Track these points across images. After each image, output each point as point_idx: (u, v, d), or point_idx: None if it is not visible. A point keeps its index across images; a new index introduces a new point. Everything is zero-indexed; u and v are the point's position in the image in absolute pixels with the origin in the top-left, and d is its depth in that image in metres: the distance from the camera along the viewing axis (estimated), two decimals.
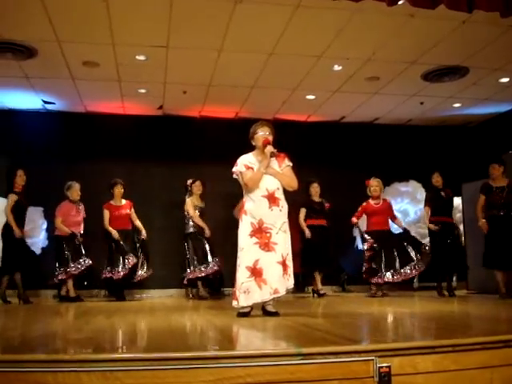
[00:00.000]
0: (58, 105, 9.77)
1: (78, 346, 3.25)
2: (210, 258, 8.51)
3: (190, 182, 8.95)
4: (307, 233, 8.56)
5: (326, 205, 8.88)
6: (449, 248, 8.22)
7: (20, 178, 7.87)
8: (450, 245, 8.24)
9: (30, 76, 8.31)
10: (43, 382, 2.40)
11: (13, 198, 7.77)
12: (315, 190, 8.89)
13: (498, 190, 7.66)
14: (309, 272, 8.70)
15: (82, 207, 8.58)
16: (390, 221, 8.65)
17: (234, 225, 5.19)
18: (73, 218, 8.42)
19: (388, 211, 8.68)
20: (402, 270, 8.27)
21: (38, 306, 7.51)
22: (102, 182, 9.18)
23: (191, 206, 8.77)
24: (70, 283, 8.17)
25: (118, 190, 8.70)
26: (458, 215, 9.80)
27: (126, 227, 8.62)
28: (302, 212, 8.64)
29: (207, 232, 8.59)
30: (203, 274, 8.51)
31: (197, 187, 8.90)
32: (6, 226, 7.77)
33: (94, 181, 9.12)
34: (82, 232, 8.49)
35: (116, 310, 6.45)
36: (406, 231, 8.69)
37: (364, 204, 8.70)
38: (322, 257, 8.51)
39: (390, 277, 8.26)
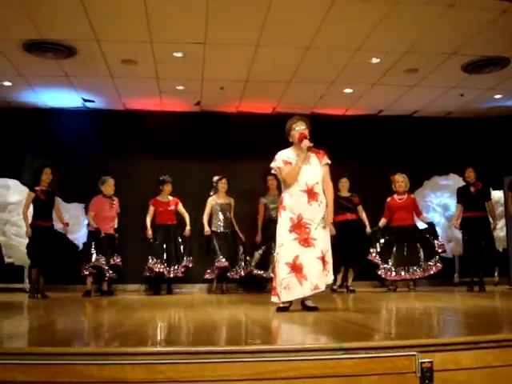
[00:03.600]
0: (97, 103, 9.92)
1: (122, 340, 3.30)
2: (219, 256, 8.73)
3: (216, 178, 9.17)
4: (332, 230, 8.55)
5: (355, 200, 8.82)
6: (478, 243, 8.25)
7: (45, 176, 7.90)
8: (479, 239, 8.27)
9: (69, 75, 8.45)
10: (88, 374, 2.44)
11: (30, 195, 7.82)
12: (343, 185, 8.86)
13: None
14: (339, 268, 8.52)
15: (115, 202, 8.68)
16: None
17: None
18: (105, 213, 8.53)
19: (412, 206, 8.68)
20: (424, 265, 8.29)
21: (79, 300, 7.62)
22: (141, 179, 9.35)
23: (209, 204, 9.05)
24: (90, 279, 8.33)
25: (168, 187, 8.96)
26: (500, 209, 9.62)
27: (170, 222, 8.89)
28: None
29: (206, 230, 8.89)
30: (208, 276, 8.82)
31: (222, 184, 9.14)
32: (32, 223, 7.78)
33: (133, 177, 9.23)
34: (116, 227, 8.63)
35: (156, 304, 6.53)
36: (431, 225, 8.65)
37: (388, 200, 8.76)
38: (350, 253, 8.44)
39: (418, 271, 8.30)
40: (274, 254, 5.00)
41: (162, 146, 10.08)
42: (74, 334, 3.66)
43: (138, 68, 8.18)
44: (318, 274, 4.74)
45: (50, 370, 2.45)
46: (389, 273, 8.41)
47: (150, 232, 8.73)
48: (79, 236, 9.38)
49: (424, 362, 2.54)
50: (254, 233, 9.27)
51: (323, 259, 4.79)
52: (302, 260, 4.72)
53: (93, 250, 8.27)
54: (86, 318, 5.15)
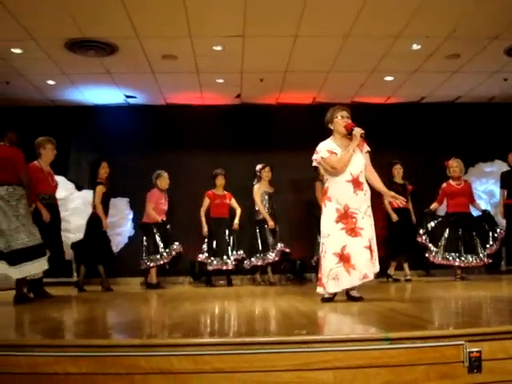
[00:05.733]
0: (139, 98, 10.06)
1: (169, 331, 3.36)
2: (272, 247, 8.69)
3: (259, 167, 9.08)
4: (394, 217, 8.28)
5: (409, 187, 8.67)
6: None
7: (103, 170, 7.97)
8: None
9: (111, 72, 8.58)
10: (137, 365, 2.51)
11: (101, 188, 7.86)
12: (398, 171, 8.66)
13: None
14: (393, 257, 8.47)
15: (167, 196, 8.80)
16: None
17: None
18: (161, 206, 8.61)
19: (468, 193, 8.45)
20: (480, 254, 8.06)
21: (125, 293, 7.75)
22: (184, 173, 9.44)
23: (258, 193, 8.95)
24: (154, 270, 8.39)
25: (220, 180, 8.99)
26: None
27: (224, 216, 8.97)
28: None
29: (270, 224, 8.72)
30: (260, 263, 8.74)
31: (266, 173, 9.05)
32: (92, 216, 7.90)
33: (176, 171, 9.32)
34: (165, 220, 8.74)
35: (202, 296, 6.60)
36: (486, 213, 8.43)
37: (444, 185, 8.45)
38: (407, 242, 8.29)
39: (471, 260, 8.06)
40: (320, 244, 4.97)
41: (204, 139, 10.15)
42: (123, 327, 3.73)
43: (178, 63, 8.26)
44: (366, 263, 4.72)
45: (100, 362, 2.52)
46: (436, 256, 8.14)
47: (205, 229, 8.79)
48: (125, 230, 9.55)
49: (472, 352, 2.51)
50: (298, 222, 9.29)
51: (370, 248, 4.78)
52: (350, 250, 4.71)
53: (158, 241, 8.33)
54: (133, 310, 5.23)
